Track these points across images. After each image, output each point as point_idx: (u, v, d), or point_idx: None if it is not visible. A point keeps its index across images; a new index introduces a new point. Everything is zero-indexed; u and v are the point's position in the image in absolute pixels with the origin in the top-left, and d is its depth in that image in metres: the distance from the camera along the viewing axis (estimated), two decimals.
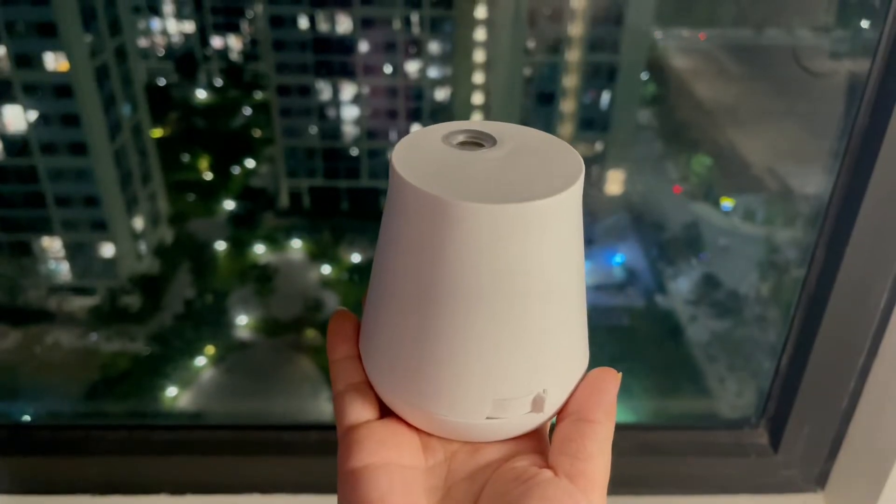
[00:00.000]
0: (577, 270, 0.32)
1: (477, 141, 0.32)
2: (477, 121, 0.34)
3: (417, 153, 0.31)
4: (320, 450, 0.89)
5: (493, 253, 0.28)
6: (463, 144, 0.32)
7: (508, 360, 0.31)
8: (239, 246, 8.08)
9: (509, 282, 0.29)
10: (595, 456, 0.33)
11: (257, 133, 8.56)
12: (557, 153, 0.32)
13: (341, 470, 0.34)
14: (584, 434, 0.33)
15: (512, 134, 0.33)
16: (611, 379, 0.34)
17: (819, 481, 0.90)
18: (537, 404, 0.33)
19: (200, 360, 7.86)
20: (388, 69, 8.21)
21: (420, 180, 0.29)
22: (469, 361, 0.30)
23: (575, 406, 0.34)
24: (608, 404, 0.34)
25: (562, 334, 0.32)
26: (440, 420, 0.33)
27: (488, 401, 0.32)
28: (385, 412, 0.36)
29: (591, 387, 0.34)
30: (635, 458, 0.88)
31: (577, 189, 0.30)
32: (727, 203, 5.57)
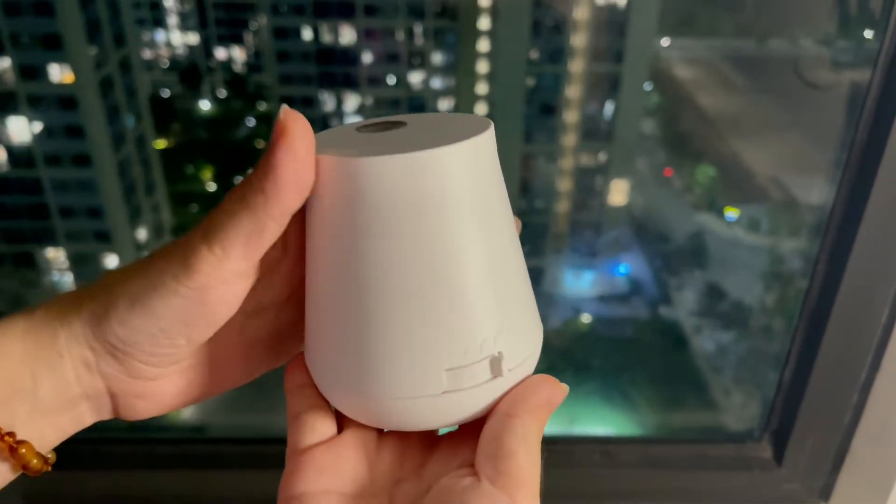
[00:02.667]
0: (500, 225, 0.32)
1: (389, 126, 0.33)
2: (402, 115, 0.35)
3: (327, 138, 0.32)
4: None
5: (402, 205, 0.29)
6: (374, 128, 0.33)
7: (450, 320, 0.30)
8: None
9: (426, 236, 0.29)
10: (516, 453, 0.31)
11: (261, 144, 8.57)
12: (468, 122, 0.32)
13: (281, 496, 0.34)
14: (503, 431, 0.32)
15: (430, 118, 0.34)
16: (545, 382, 0.33)
17: (823, 495, 0.90)
18: (495, 367, 0.32)
19: None
20: (391, 80, 8.24)
21: (322, 151, 0.30)
22: (409, 330, 0.30)
23: (501, 406, 0.33)
24: (535, 402, 0.33)
25: (503, 289, 0.32)
26: (394, 405, 0.31)
27: (441, 372, 0.31)
28: (340, 430, 0.35)
29: (521, 387, 0.33)
30: (638, 471, 0.88)
31: (484, 142, 0.30)
32: (731, 213, 5.57)
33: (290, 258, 0.35)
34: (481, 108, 8.58)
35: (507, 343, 0.31)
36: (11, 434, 0.31)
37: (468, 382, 0.31)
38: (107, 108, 7.57)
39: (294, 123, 0.30)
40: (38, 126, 7.69)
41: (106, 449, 0.92)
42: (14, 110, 7.40)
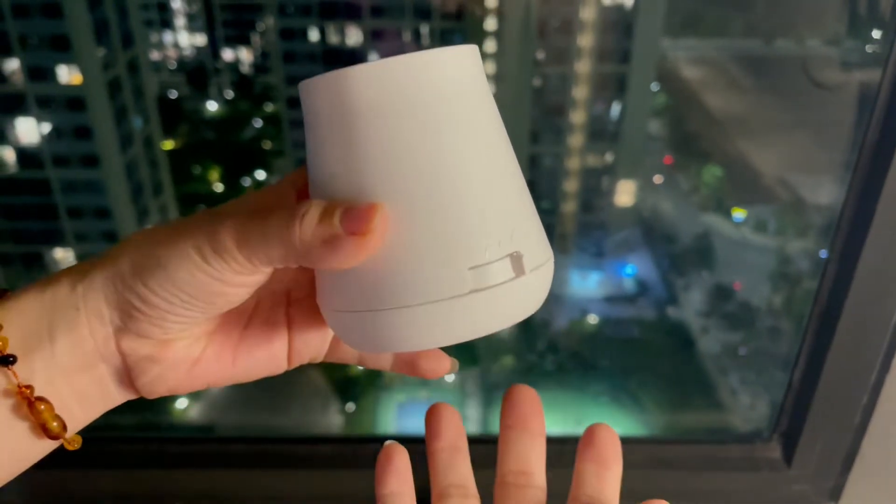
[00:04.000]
0: (498, 136, 0.33)
1: None
2: None
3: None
4: (331, 463, 0.89)
5: (403, 107, 0.29)
6: None
7: (466, 219, 0.31)
8: None
9: (431, 136, 0.30)
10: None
11: (268, 145, 8.60)
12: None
13: None
14: (602, 483, 0.37)
15: None
16: (611, 430, 0.36)
17: (832, 496, 0.90)
18: (517, 265, 0.32)
19: None
20: None
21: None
22: (427, 233, 0.30)
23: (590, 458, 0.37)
24: (616, 450, 0.37)
25: (512, 193, 0.33)
26: (423, 312, 0.31)
27: (464, 270, 0.31)
28: None
29: (599, 439, 0.37)
30: (646, 471, 0.88)
31: (469, 52, 0.31)
32: (738, 214, 5.55)
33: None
34: None
35: (524, 244, 0.32)
36: (30, 387, 0.31)
37: (493, 280, 0.31)
38: (115, 109, 7.59)
39: (381, 223, 0.30)
40: (46, 127, 7.72)
41: (115, 448, 0.92)
42: (23, 111, 7.43)
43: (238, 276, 0.32)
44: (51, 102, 7.39)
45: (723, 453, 0.87)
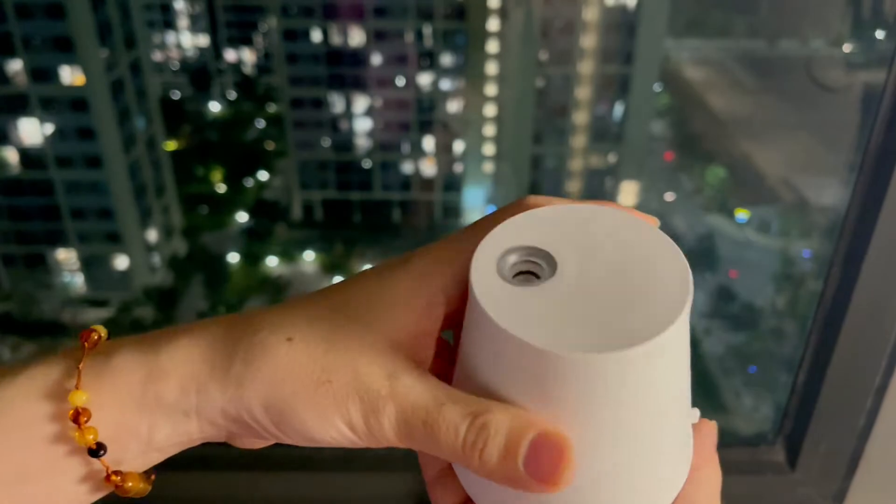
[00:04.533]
0: (685, 401, 0.30)
1: (537, 258, 0.28)
2: (524, 220, 0.29)
3: (496, 291, 0.27)
4: (336, 466, 0.88)
5: (611, 399, 0.26)
6: (522, 263, 0.28)
7: (650, 470, 0.29)
8: (252, 258, 8.11)
9: (628, 420, 0.27)
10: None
11: (270, 146, 8.62)
12: (648, 253, 0.28)
13: None
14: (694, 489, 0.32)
15: (589, 238, 0.28)
16: (712, 426, 0.33)
17: (836, 499, 0.88)
18: None
19: None
20: (400, 81, 8.23)
21: (521, 330, 0.25)
22: (612, 475, 0.28)
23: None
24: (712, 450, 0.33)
25: (686, 436, 0.30)
26: None
27: None
28: None
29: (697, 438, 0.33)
30: None
31: (687, 311, 0.27)
32: (742, 215, 5.54)
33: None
34: (490, 110, 8.54)
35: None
36: (118, 473, 0.29)
37: None
38: (118, 110, 7.55)
39: (570, 470, 0.26)
40: (49, 128, 7.68)
41: None
42: (26, 112, 7.38)
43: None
44: (54, 103, 7.34)
45: (726, 456, 0.86)
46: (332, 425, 0.27)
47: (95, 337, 0.30)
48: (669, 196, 7.02)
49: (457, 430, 0.26)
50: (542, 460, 0.25)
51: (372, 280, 0.29)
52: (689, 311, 0.26)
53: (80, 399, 0.28)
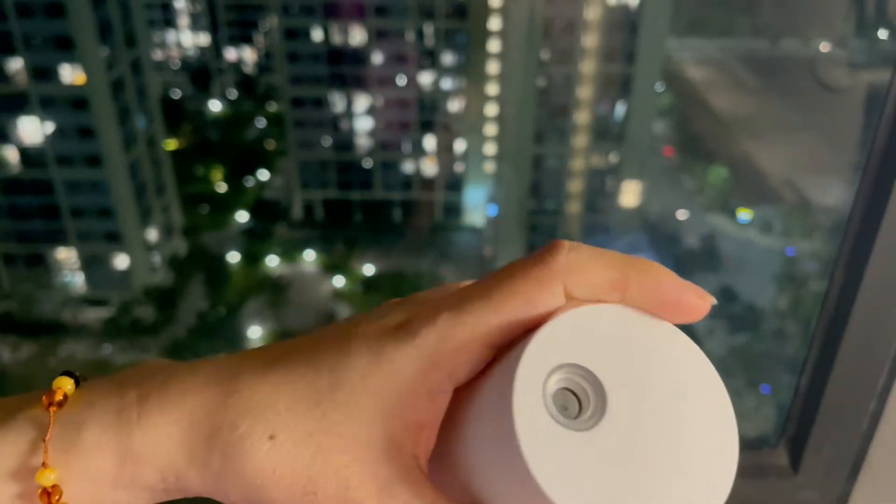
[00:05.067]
0: None
1: (578, 388, 0.26)
2: (564, 330, 0.27)
3: (537, 428, 0.25)
4: None
5: None
6: (563, 392, 0.26)
7: None
8: (252, 258, 8.12)
9: None
10: None
11: (271, 145, 8.62)
12: (692, 408, 0.27)
13: None
14: None
15: (617, 360, 0.27)
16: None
17: (839, 503, 0.87)
18: None
19: None
20: (401, 81, 8.23)
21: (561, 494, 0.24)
22: None
23: None
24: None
25: None
26: None
27: None
28: None
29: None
30: None
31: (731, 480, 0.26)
32: (744, 215, 5.53)
33: None
34: (491, 109, 8.51)
35: None
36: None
37: None
38: (118, 108, 7.53)
39: None
40: (49, 127, 7.66)
41: None
42: (26, 111, 7.36)
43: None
44: (54, 102, 7.32)
45: None
46: None
47: (60, 398, 0.27)
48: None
49: None
50: None
51: (371, 353, 0.25)
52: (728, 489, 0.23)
53: (47, 479, 0.25)
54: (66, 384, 0.27)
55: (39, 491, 0.25)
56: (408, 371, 0.24)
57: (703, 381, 0.25)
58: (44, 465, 0.25)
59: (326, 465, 0.24)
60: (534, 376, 0.24)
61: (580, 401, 0.24)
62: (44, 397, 0.26)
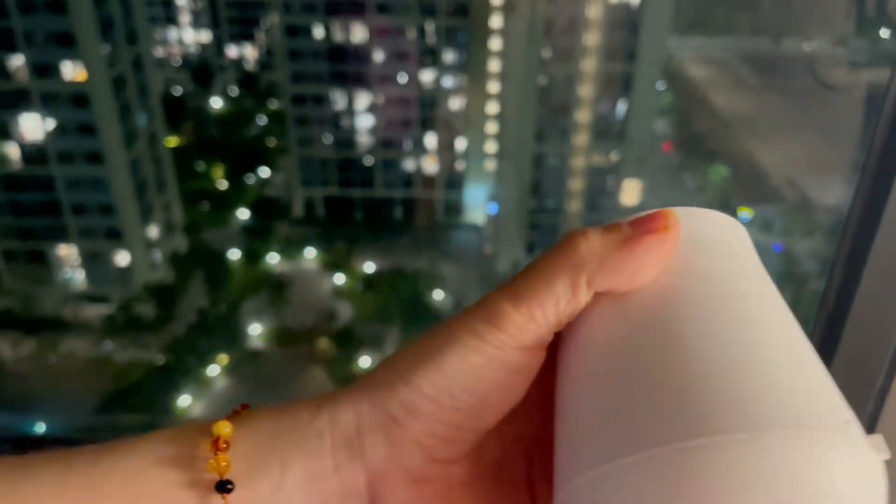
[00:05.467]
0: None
1: None
2: None
3: None
4: None
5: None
6: None
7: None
8: (253, 255, 8.12)
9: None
10: None
11: (272, 142, 8.63)
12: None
13: None
14: None
15: None
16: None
17: None
18: None
19: (213, 370, 7.86)
20: (402, 78, 8.23)
21: None
22: None
23: None
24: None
25: None
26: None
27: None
28: None
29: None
30: None
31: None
32: (745, 213, 5.52)
33: (548, 393, 0.30)
34: (492, 107, 8.52)
35: None
36: None
37: None
38: (119, 105, 7.52)
39: (673, 229, 0.27)
40: (50, 123, 7.66)
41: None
42: (27, 108, 7.35)
43: (517, 352, 0.27)
44: (55, 99, 7.32)
45: None
46: (454, 339, 0.27)
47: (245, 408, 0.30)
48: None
49: (563, 247, 0.27)
50: (645, 216, 0.27)
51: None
52: None
53: (223, 429, 0.27)
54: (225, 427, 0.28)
55: (211, 441, 0.26)
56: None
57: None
58: (225, 418, 0.27)
59: None
60: None
61: None
62: (213, 442, 0.28)
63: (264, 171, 9.40)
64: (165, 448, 0.27)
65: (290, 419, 0.27)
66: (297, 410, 0.27)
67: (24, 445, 0.91)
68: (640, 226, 0.26)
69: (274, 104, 9.72)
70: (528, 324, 0.26)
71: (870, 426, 0.82)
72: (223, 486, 0.26)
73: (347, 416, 0.27)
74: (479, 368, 0.27)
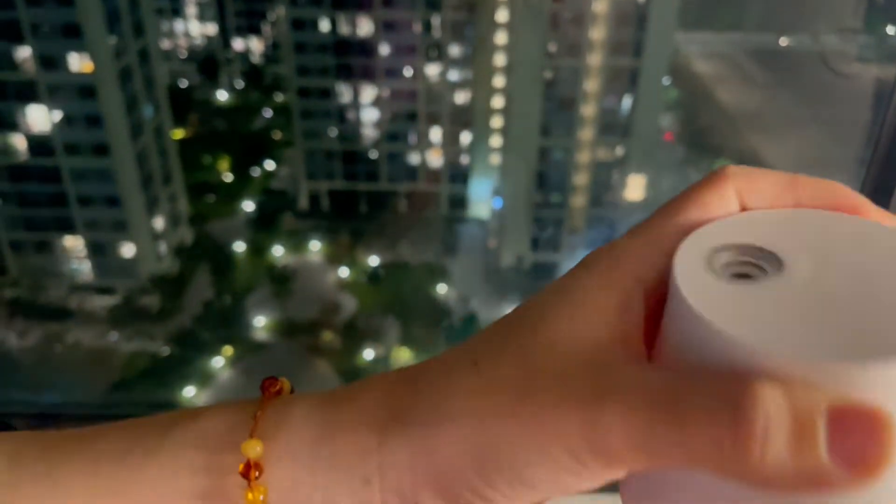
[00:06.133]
0: None
1: (752, 270, 0.22)
2: (739, 220, 0.23)
3: (711, 294, 0.21)
4: None
5: None
6: (741, 263, 0.22)
7: None
8: (258, 247, 8.13)
9: None
10: None
11: (277, 135, 8.63)
12: (880, 254, 0.22)
13: None
14: None
15: (803, 241, 0.23)
16: None
17: None
18: None
19: (218, 361, 7.88)
20: (408, 72, 8.22)
21: (733, 326, 0.19)
22: None
23: None
24: None
25: None
26: None
27: None
28: None
29: None
30: None
31: None
32: None
33: None
34: (498, 101, 8.52)
35: None
36: None
37: None
38: (125, 97, 7.53)
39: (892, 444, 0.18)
40: (57, 115, 7.66)
41: None
42: (34, 99, 7.35)
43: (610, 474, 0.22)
44: (62, 90, 7.31)
45: None
46: (549, 457, 0.21)
47: (277, 388, 0.26)
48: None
49: (716, 416, 0.18)
50: (853, 437, 0.17)
51: (545, 296, 0.23)
52: None
53: (254, 450, 0.23)
54: (286, 382, 0.26)
55: (242, 465, 0.23)
56: (585, 285, 0.23)
57: None
58: (251, 436, 0.24)
59: (536, 369, 0.22)
60: (698, 248, 0.22)
61: (752, 275, 0.22)
62: (263, 382, 0.26)
63: (270, 164, 9.39)
64: (193, 455, 0.24)
65: (328, 454, 0.23)
66: (338, 440, 0.24)
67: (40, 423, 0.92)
68: (844, 449, 0.18)
69: (279, 97, 9.71)
70: (635, 466, 0.21)
71: None
72: None
73: (402, 474, 0.23)
74: (569, 485, 0.22)
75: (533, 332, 0.23)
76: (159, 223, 8.39)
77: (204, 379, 7.72)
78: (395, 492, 0.23)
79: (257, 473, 0.23)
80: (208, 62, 9.37)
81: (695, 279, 0.21)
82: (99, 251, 8.27)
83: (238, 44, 9.22)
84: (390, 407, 0.23)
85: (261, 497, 0.23)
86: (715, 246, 0.23)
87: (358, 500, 0.23)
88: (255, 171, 9.17)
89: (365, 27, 9.03)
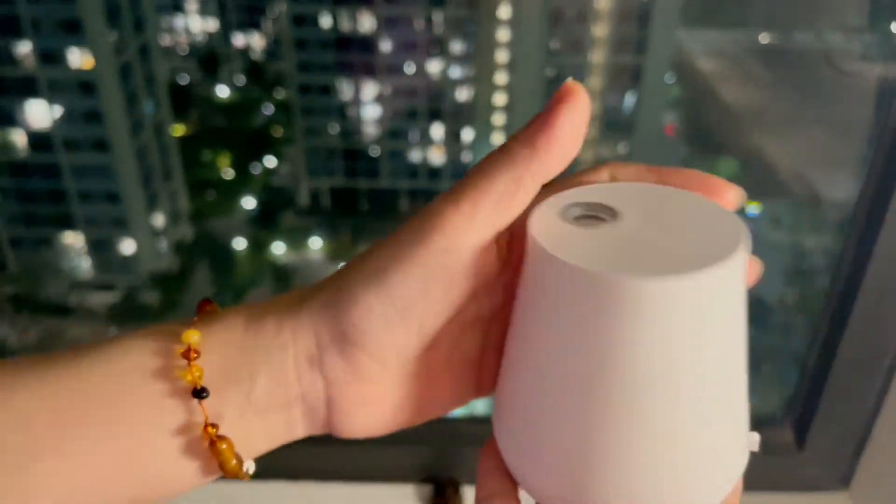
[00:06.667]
0: (744, 349, 0.30)
1: (600, 213, 0.30)
2: (593, 188, 0.32)
3: (540, 227, 0.29)
4: (334, 440, 0.88)
5: (666, 332, 0.26)
6: (583, 215, 0.30)
7: (681, 455, 0.28)
8: (258, 245, 8.14)
9: (686, 362, 0.27)
10: None
11: (278, 132, 8.63)
12: (702, 212, 0.30)
13: None
14: None
15: (648, 199, 0.31)
16: None
17: (844, 480, 0.88)
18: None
19: None
20: (409, 69, 8.22)
21: (579, 260, 0.27)
22: (639, 460, 0.28)
23: None
24: None
25: (729, 423, 0.30)
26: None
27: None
28: None
29: None
30: None
31: (743, 253, 0.28)
32: (753, 208, 5.50)
33: (508, 272, 0.32)
34: (501, 98, 8.54)
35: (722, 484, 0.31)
36: (215, 425, 0.28)
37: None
38: (126, 93, 7.54)
39: (579, 92, 0.29)
40: (57, 111, 7.68)
41: None
42: (34, 95, 7.37)
43: (461, 255, 0.29)
44: (62, 86, 7.33)
45: None
46: (398, 252, 0.29)
47: (213, 308, 0.33)
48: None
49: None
50: (558, 92, 0.29)
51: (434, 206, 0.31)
52: (743, 259, 0.28)
53: (191, 337, 0.29)
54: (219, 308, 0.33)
55: (182, 349, 0.29)
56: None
57: (721, 219, 0.30)
58: (190, 328, 0.30)
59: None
60: (552, 204, 0.31)
61: (594, 224, 0.30)
62: (198, 304, 0.33)
63: (270, 161, 9.40)
64: (140, 355, 0.29)
65: (255, 332, 0.30)
66: (261, 324, 0.30)
67: None
68: (550, 104, 0.29)
69: (280, 93, 9.73)
70: (469, 224, 0.28)
71: (877, 405, 0.82)
72: (199, 394, 0.28)
73: (307, 333, 0.29)
74: (424, 280, 0.28)
75: (426, 240, 0.29)
76: (159, 220, 8.40)
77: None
78: (305, 354, 0.29)
79: (195, 355, 0.29)
80: (209, 58, 9.39)
81: (545, 222, 0.30)
82: (99, 248, 8.28)
83: (239, 40, 9.23)
84: (305, 291, 0.31)
85: (197, 374, 0.28)
86: (569, 203, 0.31)
87: (276, 366, 0.29)
88: (256, 168, 9.19)
89: (366, 23, 9.04)
